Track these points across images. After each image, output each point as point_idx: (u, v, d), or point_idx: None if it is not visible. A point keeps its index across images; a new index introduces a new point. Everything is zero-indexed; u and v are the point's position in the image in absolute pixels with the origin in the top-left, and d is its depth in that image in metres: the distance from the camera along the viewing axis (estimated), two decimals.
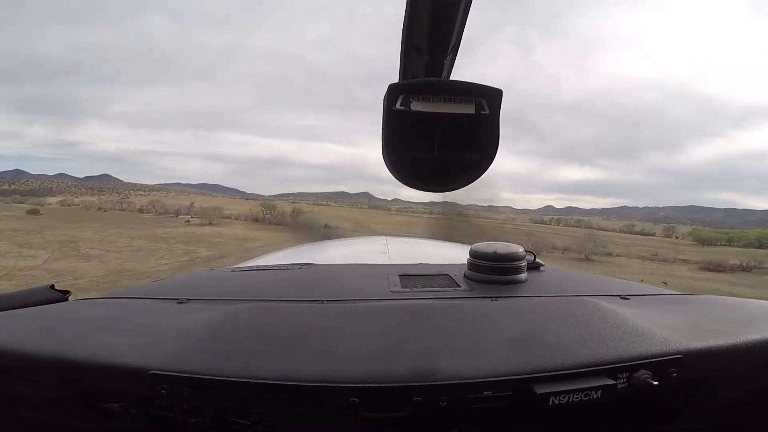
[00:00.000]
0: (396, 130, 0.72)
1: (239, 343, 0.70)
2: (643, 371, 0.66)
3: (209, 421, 0.67)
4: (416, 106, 0.70)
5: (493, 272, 1.11)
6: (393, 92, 0.69)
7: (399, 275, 1.19)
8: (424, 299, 0.97)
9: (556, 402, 0.61)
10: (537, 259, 1.33)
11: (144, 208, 56.59)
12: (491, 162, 0.76)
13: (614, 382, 0.64)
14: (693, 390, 0.75)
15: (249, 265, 1.74)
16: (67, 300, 0.96)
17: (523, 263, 1.15)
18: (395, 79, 0.76)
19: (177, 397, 0.63)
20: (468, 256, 1.19)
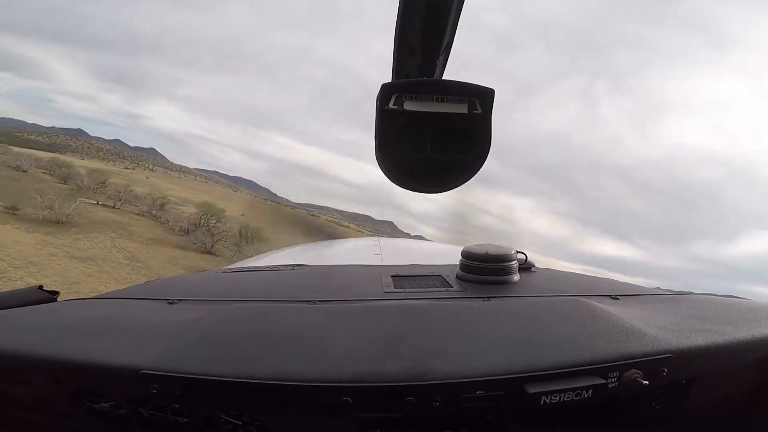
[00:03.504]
0: (389, 129, 0.72)
1: (231, 343, 0.69)
2: (633, 370, 0.66)
3: (201, 422, 0.67)
4: (409, 106, 0.70)
5: (485, 273, 1.12)
6: (386, 92, 0.70)
7: (392, 276, 1.18)
8: (417, 300, 0.97)
9: (548, 401, 0.62)
10: (529, 260, 1.32)
11: (69, 175, 37.29)
12: (483, 162, 0.76)
13: (605, 381, 0.65)
14: (683, 389, 0.76)
15: (240, 266, 1.72)
16: (55, 300, 0.95)
17: (515, 264, 1.15)
18: (388, 80, 0.76)
19: (168, 397, 0.63)
20: (460, 257, 1.19)
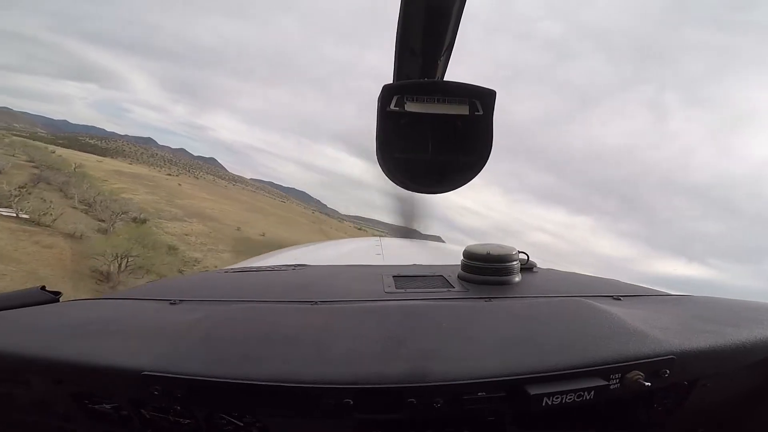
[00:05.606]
0: (390, 131, 0.72)
1: (233, 344, 0.69)
2: (635, 372, 0.66)
3: (202, 423, 0.67)
4: (411, 107, 0.70)
5: (486, 273, 1.11)
6: (387, 93, 0.69)
7: (393, 276, 1.17)
8: (419, 300, 0.96)
9: (550, 403, 0.61)
10: (530, 260, 1.31)
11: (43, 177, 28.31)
12: (485, 164, 0.76)
13: (607, 382, 0.64)
14: (685, 390, 0.76)
15: (242, 266, 1.70)
16: (58, 301, 0.94)
17: (516, 264, 1.15)
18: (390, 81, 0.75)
19: (170, 399, 0.63)
20: (462, 258, 1.18)
